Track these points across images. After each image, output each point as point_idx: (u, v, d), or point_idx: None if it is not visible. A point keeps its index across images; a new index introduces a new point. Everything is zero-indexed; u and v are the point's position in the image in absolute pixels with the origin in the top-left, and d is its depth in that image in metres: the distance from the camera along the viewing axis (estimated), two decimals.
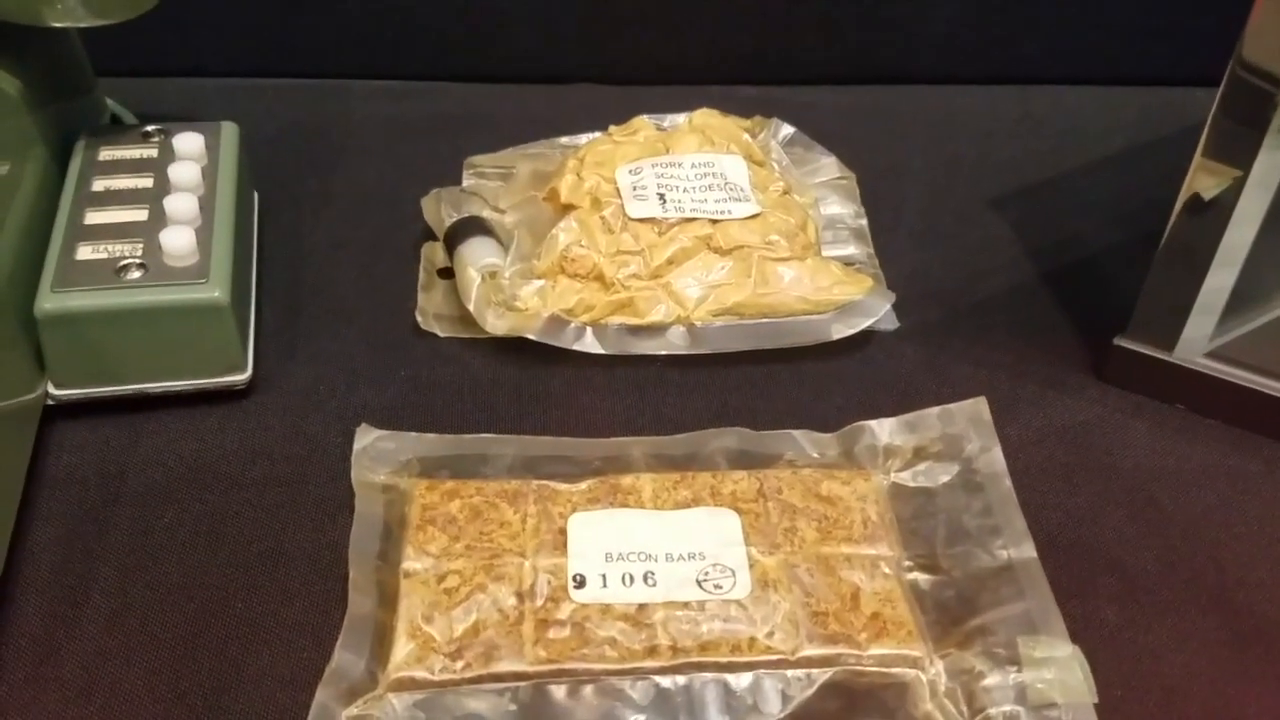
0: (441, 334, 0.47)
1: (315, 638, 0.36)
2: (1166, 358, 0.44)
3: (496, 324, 0.45)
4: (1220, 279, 0.42)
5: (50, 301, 0.41)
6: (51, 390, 0.42)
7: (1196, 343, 0.44)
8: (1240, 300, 0.43)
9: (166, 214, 0.43)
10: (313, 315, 0.48)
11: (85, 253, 0.42)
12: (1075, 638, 0.36)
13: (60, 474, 0.41)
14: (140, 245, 0.42)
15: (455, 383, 0.45)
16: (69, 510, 0.40)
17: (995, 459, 0.41)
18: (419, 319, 0.47)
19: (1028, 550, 0.38)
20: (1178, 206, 0.42)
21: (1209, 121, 0.40)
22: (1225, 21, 0.40)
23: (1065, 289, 0.50)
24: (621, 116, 0.54)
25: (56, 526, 0.39)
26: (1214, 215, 0.41)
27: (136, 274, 0.41)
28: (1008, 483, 0.40)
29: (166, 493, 0.41)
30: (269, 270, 0.49)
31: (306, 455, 0.42)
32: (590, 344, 0.46)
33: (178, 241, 0.42)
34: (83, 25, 0.46)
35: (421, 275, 0.49)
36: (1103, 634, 0.37)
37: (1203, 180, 0.41)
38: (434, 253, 0.50)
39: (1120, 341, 0.45)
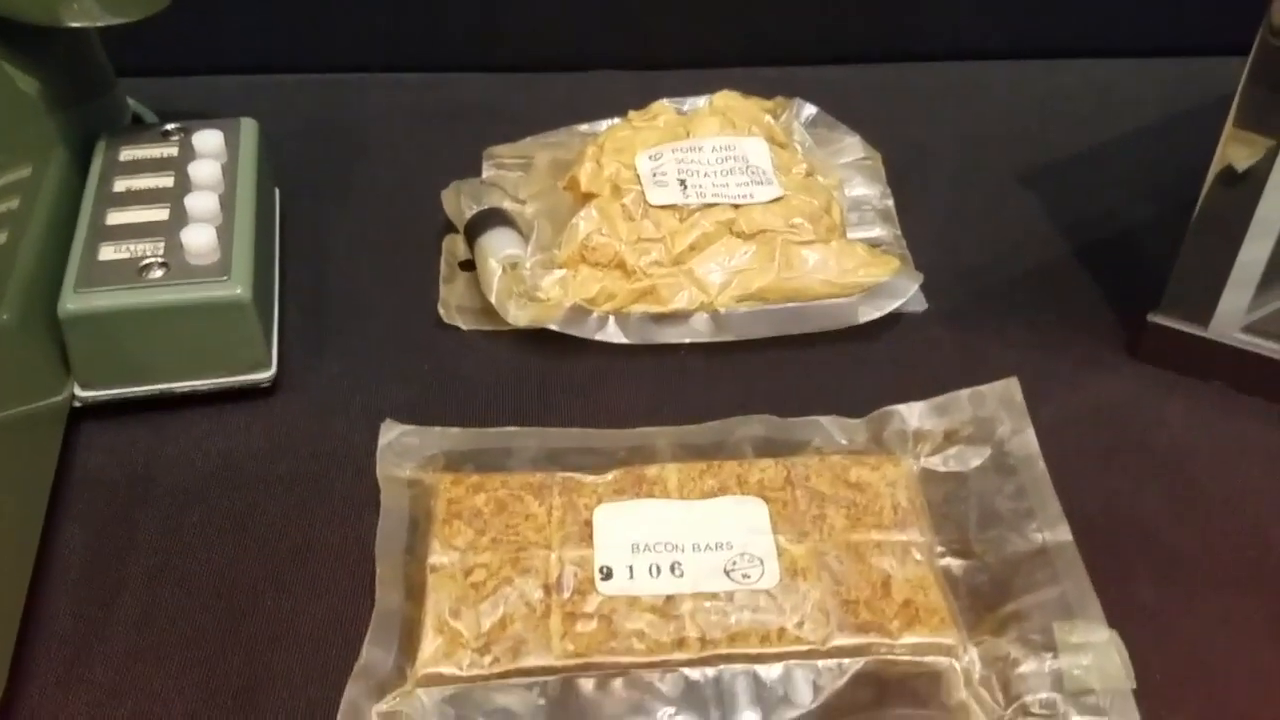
0: (464, 327, 0.47)
1: (344, 634, 0.36)
2: (1201, 333, 0.43)
3: (518, 315, 0.45)
4: (1255, 251, 0.41)
5: (73, 302, 0.41)
6: (78, 392, 0.42)
7: (1232, 317, 0.43)
8: (1276, 273, 0.42)
9: (187, 212, 0.43)
10: (336, 311, 0.48)
11: (107, 253, 0.42)
12: (1113, 622, 0.35)
13: (88, 475, 0.41)
14: (162, 244, 0.42)
15: (478, 376, 0.45)
16: (97, 511, 0.40)
17: (1028, 441, 0.40)
18: (441, 312, 0.47)
19: (1063, 533, 0.37)
20: (1209, 178, 0.41)
21: (1239, 90, 0.39)
22: None
23: (1097, 266, 0.49)
24: (642, 102, 0.53)
25: (85, 528, 0.39)
26: (1247, 186, 0.40)
27: (158, 273, 0.41)
28: (1041, 465, 0.39)
29: (194, 492, 0.41)
30: (291, 267, 0.49)
31: (332, 452, 0.42)
32: (613, 333, 0.45)
33: (199, 239, 0.42)
34: (99, 25, 0.45)
35: (443, 268, 0.49)
36: (1141, 617, 0.36)
37: (1234, 151, 0.40)
38: (455, 245, 0.50)
39: (1154, 318, 0.44)
